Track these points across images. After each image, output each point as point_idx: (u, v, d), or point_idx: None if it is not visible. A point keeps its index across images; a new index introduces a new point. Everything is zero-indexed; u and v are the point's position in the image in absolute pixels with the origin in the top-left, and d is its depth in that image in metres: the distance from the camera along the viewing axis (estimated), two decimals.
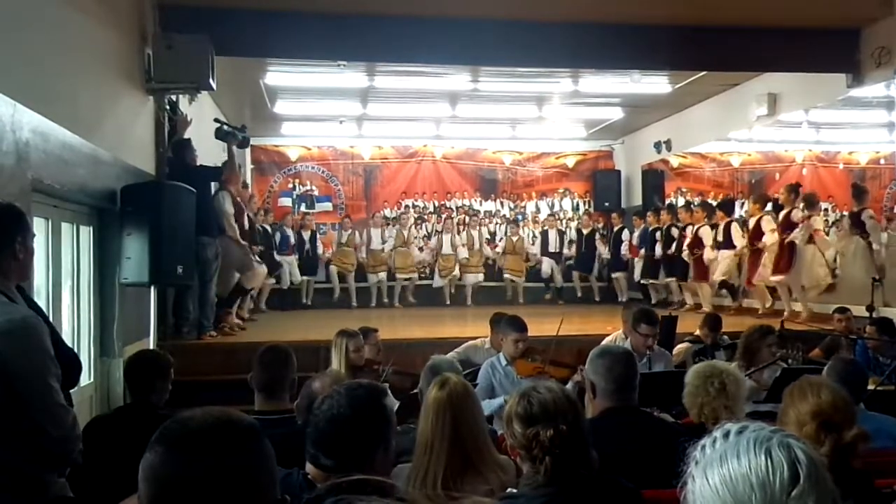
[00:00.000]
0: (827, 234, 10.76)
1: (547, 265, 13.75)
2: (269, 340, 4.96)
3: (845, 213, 13.29)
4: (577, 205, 15.15)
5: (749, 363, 4.78)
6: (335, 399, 2.06)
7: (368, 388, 2.15)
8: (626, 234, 13.13)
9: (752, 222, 10.04)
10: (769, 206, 10.15)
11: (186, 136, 7.45)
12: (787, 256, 9.26)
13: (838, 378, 3.26)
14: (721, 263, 10.42)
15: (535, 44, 7.95)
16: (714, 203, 12.17)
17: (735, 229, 10.44)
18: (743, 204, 13.66)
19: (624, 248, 13.09)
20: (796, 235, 9.13)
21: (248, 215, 9.03)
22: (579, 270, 13.81)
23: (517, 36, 7.85)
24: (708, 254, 10.63)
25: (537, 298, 13.45)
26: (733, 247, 10.33)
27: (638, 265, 12.69)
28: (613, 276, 13.47)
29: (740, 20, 7.89)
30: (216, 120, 8.05)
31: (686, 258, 11.04)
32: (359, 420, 2.02)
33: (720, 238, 10.52)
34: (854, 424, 2.32)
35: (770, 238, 9.44)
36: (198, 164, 7.48)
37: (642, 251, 12.52)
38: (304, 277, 12.65)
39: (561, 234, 14.04)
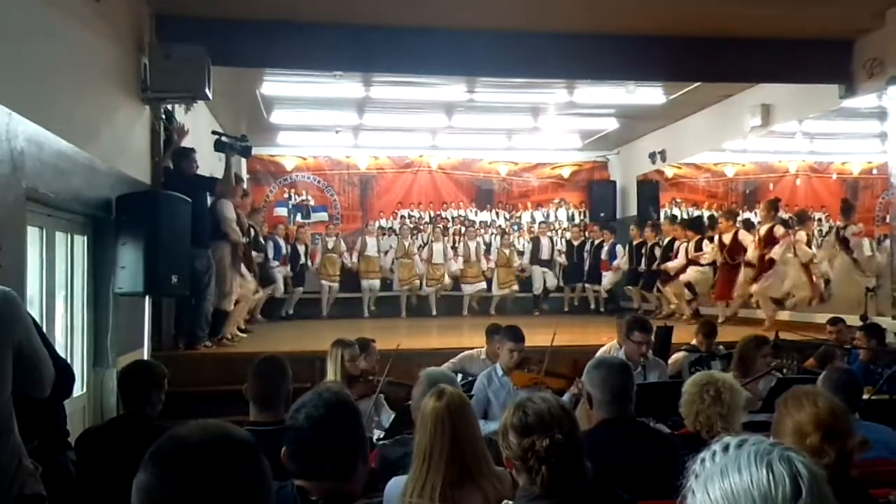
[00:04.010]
0: (819, 245, 10.84)
1: (538, 273, 13.69)
2: (264, 351, 4.94)
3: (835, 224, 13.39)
4: (573, 215, 15.18)
5: (744, 373, 4.78)
6: (308, 407, 2.09)
7: (331, 390, 2.20)
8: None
9: (726, 237, 10.10)
10: (741, 220, 10.31)
11: (189, 145, 7.45)
12: (764, 271, 9.36)
13: (833, 387, 3.27)
14: (689, 273, 10.60)
15: (530, 54, 7.98)
16: (686, 218, 12.48)
17: (707, 245, 10.58)
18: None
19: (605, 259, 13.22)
20: (777, 252, 9.18)
21: (250, 226, 8.99)
22: (569, 283, 13.87)
23: (513, 47, 7.88)
24: (678, 262, 10.86)
25: (526, 309, 13.38)
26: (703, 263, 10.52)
27: (608, 278, 12.91)
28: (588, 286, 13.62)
29: (734, 31, 7.94)
30: (214, 132, 8.03)
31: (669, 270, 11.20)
32: (340, 419, 2.08)
33: (692, 254, 10.72)
34: (854, 432, 2.33)
35: (752, 253, 9.51)
36: (196, 173, 7.46)
37: (614, 263, 12.79)
38: (298, 288, 12.64)
39: (552, 241, 14.07)
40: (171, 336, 7.40)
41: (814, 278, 9.56)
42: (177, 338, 7.36)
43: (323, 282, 12.87)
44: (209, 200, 7.69)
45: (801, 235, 9.89)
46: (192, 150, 7.42)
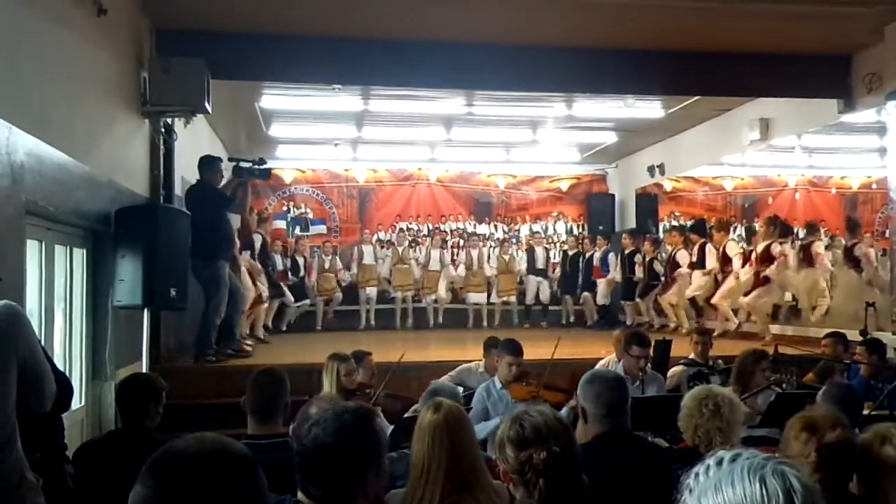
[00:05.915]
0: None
1: (533, 282, 13.55)
2: (262, 364, 4.94)
3: (839, 237, 13.40)
4: (571, 228, 15.19)
5: (743, 388, 4.77)
6: (321, 426, 2.01)
7: (355, 411, 2.05)
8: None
9: (721, 248, 10.20)
10: (737, 232, 10.31)
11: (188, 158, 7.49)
12: (759, 286, 9.40)
13: (833, 402, 3.27)
14: (694, 281, 10.53)
15: (529, 68, 8.01)
16: (686, 225, 12.41)
17: (709, 250, 10.54)
18: (735, 228, 13.81)
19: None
20: (772, 271, 9.18)
21: (260, 237, 9.06)
22: (564, 294, 13.57)
23: (511, 60, 7.90)
24: (682, 272, 10.77)
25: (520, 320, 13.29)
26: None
27: (600, 287, 12.66)
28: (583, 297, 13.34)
29: (733, 46, 7.97)
30: (231, 158, 8.07)
31: (668, 277, 11.16)
32: (348, 447, 1.95)
33: (695, 259, 10.65)
34: (839, 428, 2.32)
35: (737, 264, 9.51)
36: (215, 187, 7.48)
37: (608, 276, 12.51)
38: (300, 302, 12.58)
39: (548, 252, 13.98)
40: (171, 350, 7.37)
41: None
42: (179, 351, 7.33)
43: (318, 298, 12.82)
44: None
45: (819, 245, 9.90)
46: (218, 160, 7.42)
